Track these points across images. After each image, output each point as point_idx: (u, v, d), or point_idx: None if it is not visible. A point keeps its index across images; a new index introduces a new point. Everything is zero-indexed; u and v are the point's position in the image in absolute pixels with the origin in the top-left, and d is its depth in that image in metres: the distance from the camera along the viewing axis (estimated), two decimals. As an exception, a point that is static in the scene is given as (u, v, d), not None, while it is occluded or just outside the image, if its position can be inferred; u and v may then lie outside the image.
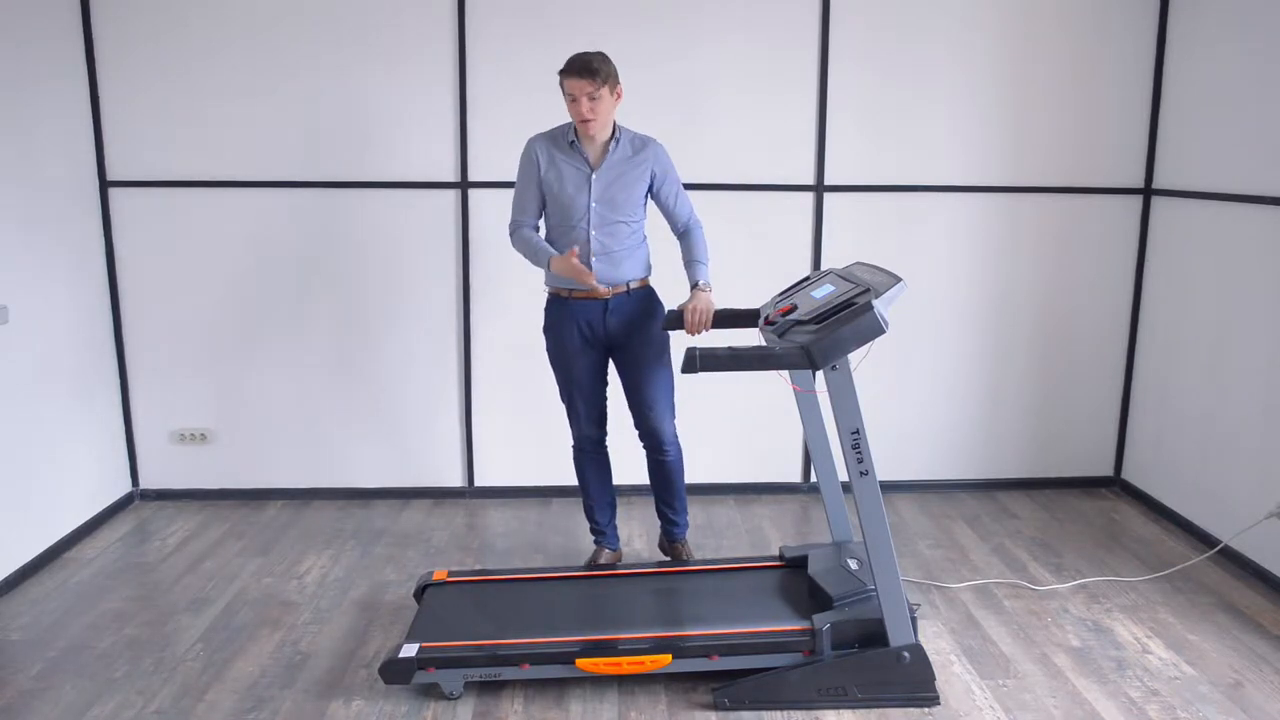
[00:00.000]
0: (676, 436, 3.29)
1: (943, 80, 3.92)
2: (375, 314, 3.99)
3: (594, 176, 3.04)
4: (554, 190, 3.08)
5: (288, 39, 3.78)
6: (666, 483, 3.33)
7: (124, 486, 4.03)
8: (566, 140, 3.08)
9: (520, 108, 3.82)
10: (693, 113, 3.88)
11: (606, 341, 3.17)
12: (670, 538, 3.44)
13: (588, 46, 3.11)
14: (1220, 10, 3.62)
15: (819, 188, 3.97)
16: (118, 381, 3.97)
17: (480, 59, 3.82)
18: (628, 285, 3.12)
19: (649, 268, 3.21)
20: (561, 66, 2.97)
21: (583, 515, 3.50)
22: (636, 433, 3.28)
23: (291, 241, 3.92)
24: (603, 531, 3.42)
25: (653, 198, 3.16)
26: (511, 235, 3.17)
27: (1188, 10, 3.81)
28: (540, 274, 3.30)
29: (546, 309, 3.22)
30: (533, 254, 3.11)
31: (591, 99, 2.93)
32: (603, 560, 3.38)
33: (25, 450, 3.40)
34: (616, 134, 3.07)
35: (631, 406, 3.24)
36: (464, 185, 3.89)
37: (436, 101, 3.84)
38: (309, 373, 4.02)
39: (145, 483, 4.09)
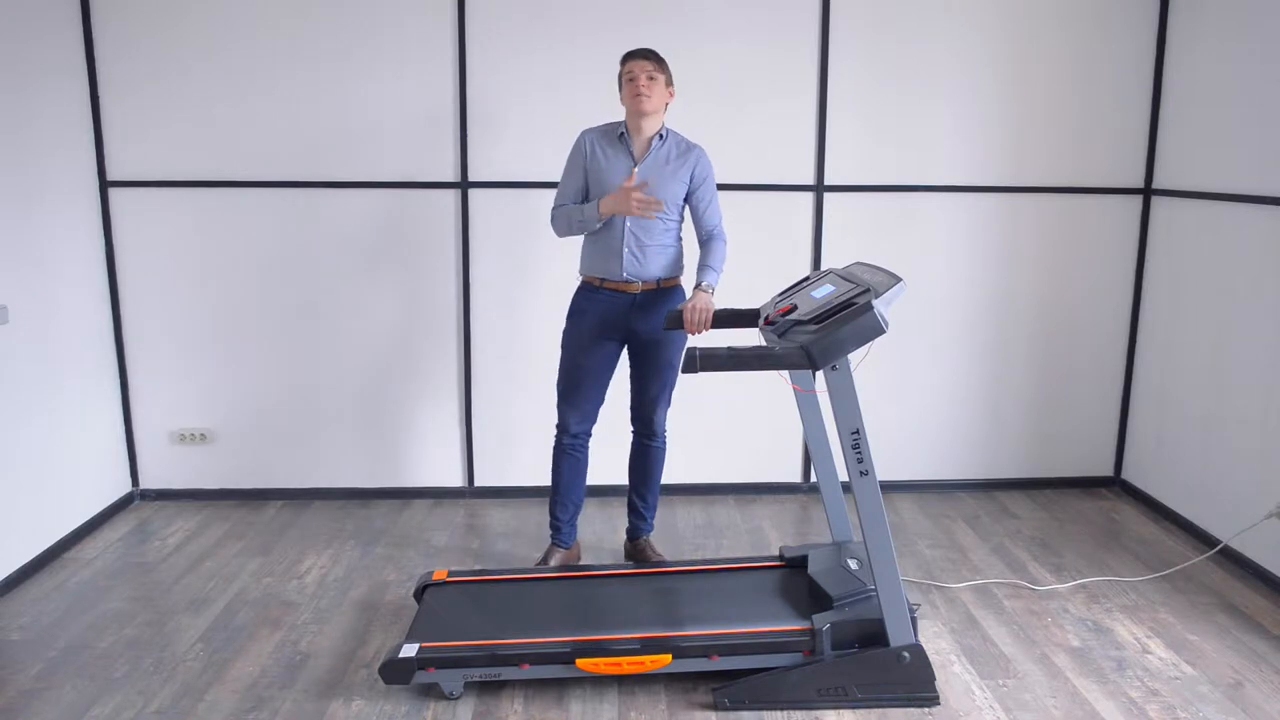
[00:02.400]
0: (666, 429, 3.39)
1: (943, 80, 3.92)
2: (376, 314, 3.99)
3: (636, 169, 3.13)
4: (598, 177, 3.17)
5: (288, 39, 3.78)
6: (647, 472, 3.41)
7: (124, 486, 4.03)
8: (616, 134, 3.19)
9: (520, 108, 3.81)
10: (693, 112, 3.87)
11: (626, 334, 3.23)
12: (635, 534, 3.47)
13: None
14: (1220, 10, 3.62)
15: (819, 188, 3.97)
16: (118, 381, 3.97)
17: (480, 59, 3.82)
18: (658, 282, 3.19)
19: (680, 268, 3.27)
20: (623, 56, 3.12)
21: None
22: (630, 416, 3.36)
23: (291, 241, 3.92)
24: (559, 528, 3.42)
25: (686, 200, 3.22)
26: (553, 217, 3.25)
27: (1188, 10, 3.81)
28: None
29: (576, 294, 3.28)
30: (577, 220, 3.17)
31: (650, 77, 3.08)
32: (554, 559, 3.38)
33: (25, 450, 3.40)
34: (663, 132, 3.17)
35: (635, 394, 3.33)
36: (464, 185, 3.89)
37: (436, 101, 3.84)
38: (309, 373, 4.02)
39: (145, 483, 4.09)
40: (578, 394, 3.27)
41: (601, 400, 3.31)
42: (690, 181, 3.19)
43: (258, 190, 3.87)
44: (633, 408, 3.36)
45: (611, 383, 3.31)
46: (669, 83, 3.15)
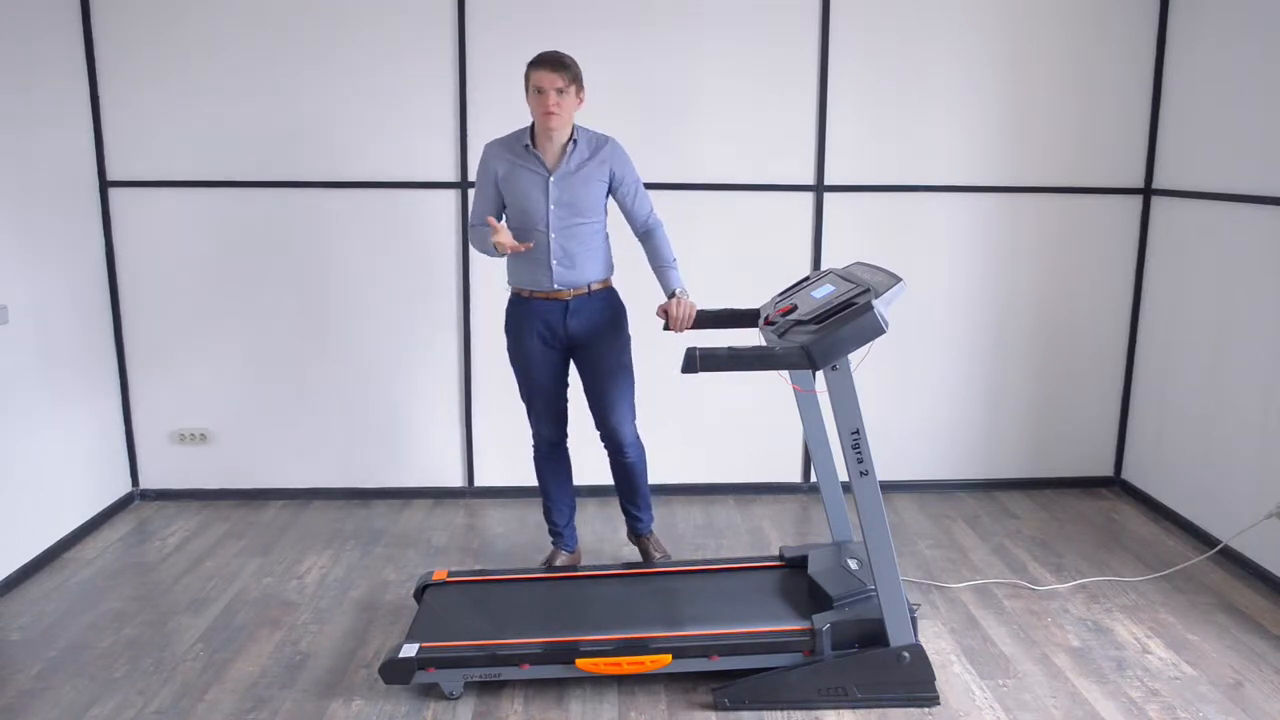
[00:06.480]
0: (638, 438, 3.28)
1: (943, 80, 3.92)
2: (376, 314, 3.99)
3: (551, 180, 3.02)
4: (513, 195, 3.06)
5: (288, 39, 3.78)
6: (629, 484, 3.32)
7: (124, 486, 4.03)
8: (522, 144, 3.05)
9: (520, 108, 3.79)
10: (692, 112, 3.88)
11: (567, 343, 3.15)
12: (636, 531, 3.45)
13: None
14: (1220, 10, 3.62)
15: (819, 188, 3.97)
16: (118, 381, 3.97)
17: (480, 59, 3.82)
18: (589, 287, 3.10)
19: (610, 268, 3.19)
20: (530, 60, 2.98)
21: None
22: (598, 434, 3.26)
23: (291, 241, 3.92)
24: (560, 533, 3.40)
25: (611, 196, 3.14)
26: (470, 236, 3.18)
27: (1188, 10, 3.81)
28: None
29: (508, 308, 3.20)
30: (485, 246, 3.08)
31: (560, 93, 2.93)
32: (559, 562, 3.37)
33: (25, 450, 3.40)
34: (574, 135, 3.05)
35: (592, 408, 3.23)
36: (464, 185, 3.89)
37: (436, 101, 3.84)
38: (309, 372, 4.02)
39: (145, 483, 4.09)
40: (537, 408, 3.23)
41: (564, 406, 3.27)
42: (610, 179, 3.08)
43: (258, 190, 3.87)
44: (595, 423, 3.24)
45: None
46: (579, 90, 2.99)
